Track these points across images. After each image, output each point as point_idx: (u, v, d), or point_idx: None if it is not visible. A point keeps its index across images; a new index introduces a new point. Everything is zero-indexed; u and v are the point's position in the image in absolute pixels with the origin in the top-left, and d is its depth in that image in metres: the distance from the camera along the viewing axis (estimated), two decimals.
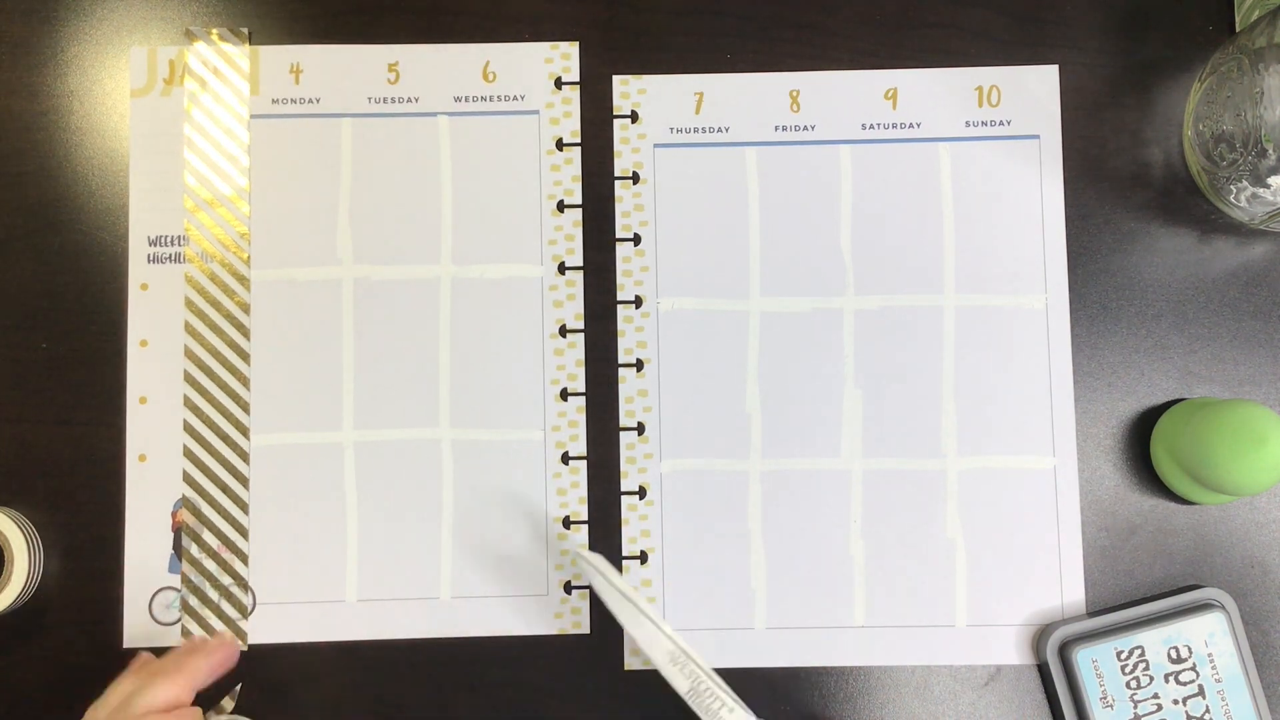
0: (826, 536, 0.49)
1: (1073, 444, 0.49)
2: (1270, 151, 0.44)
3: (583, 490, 0.50)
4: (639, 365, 0.50)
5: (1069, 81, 0.51)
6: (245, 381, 0.50)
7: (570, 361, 0.50)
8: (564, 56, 0.51)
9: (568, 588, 0.49)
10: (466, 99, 0.51)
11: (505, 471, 0.50)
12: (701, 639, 0.49)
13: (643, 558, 0.49)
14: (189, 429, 0.50)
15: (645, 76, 0.51)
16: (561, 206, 0.50)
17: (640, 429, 0.49)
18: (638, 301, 0.50)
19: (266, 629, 0.49)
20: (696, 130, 0.50)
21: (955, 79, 0.50)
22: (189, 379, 0.50)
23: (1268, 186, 0.46)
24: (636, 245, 0.50)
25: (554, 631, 0.49)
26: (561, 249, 0.50)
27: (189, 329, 0.50)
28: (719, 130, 0.50)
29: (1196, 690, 0.47)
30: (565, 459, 0.50)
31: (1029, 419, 0.49)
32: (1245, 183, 0.46)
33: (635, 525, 0.49)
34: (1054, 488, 0.49)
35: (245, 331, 0.50)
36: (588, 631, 0.49)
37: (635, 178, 0.50)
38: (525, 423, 0.50)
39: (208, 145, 0.50)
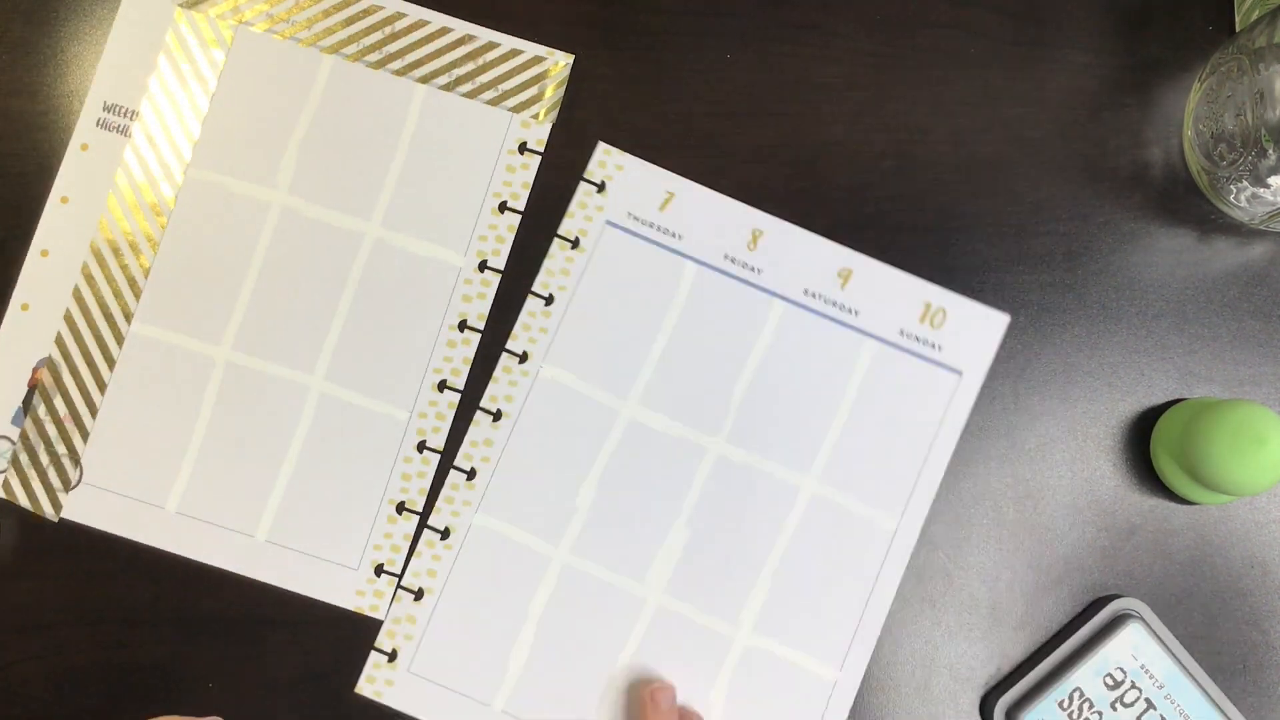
0: (596, 653, 0.49)
1: (859, 673, 0.49)
2: (1270, 151, 0.44)
3: (426, 482, 0.50)
4: (497, 415, 0.49)
5: (1069, 82, 0.51)
6: (146, 270, 0.50)
7: (459, 357, 0.50)
8: (557, 67, 0.51)
9: (379, 570, 0.49)
10: (450, 77, 0.51)
11: (360, 439, 0.50)
12: (436, 698, 0.48)
13: (419, 594, 0.49)
14: (77, 297, 0.50)
15: (628, 156, 0.50)
16: (503, 208, 0.50)
17: (471, 474, 0.49)
18: (523, 356, 0.50)
19: (82, 509, 0.49)
20: (652, 225, 0.50)
21: (910, 287, 0.50)
22: (94, 249, 0.50)
23: (1268, 186, 0.46)
24: (546, 305, 0.50)
25: (350, 607, 0.49)
26: (489, 247, 0.50)
27: (111, 201, 0.50)
28: (673, 235, 0.50)
29: (1145, 705, 0.47)
30: (421, 447, 0.50)
31: (831, 629, 0.49)
32: (1245, 183, 0.46)
33: (426, 559, 0.49)
34: (825, 701, 0.48)
35: (163, 222, 0.50)
36: (382, 618, 0.49)
37: (575, 243, 0.50)
38: (395, 400, 0.50)
39: (193, 39, 0.50)
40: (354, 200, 0.50)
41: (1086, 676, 0.47)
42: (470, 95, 0.51)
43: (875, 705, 0.49)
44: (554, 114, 0.51)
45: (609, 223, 0.50)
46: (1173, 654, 0.47)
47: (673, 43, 0.51)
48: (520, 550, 0.49)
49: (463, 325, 0.50)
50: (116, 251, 0.50)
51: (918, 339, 0.49)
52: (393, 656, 0.49)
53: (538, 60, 0.51)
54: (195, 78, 0.51)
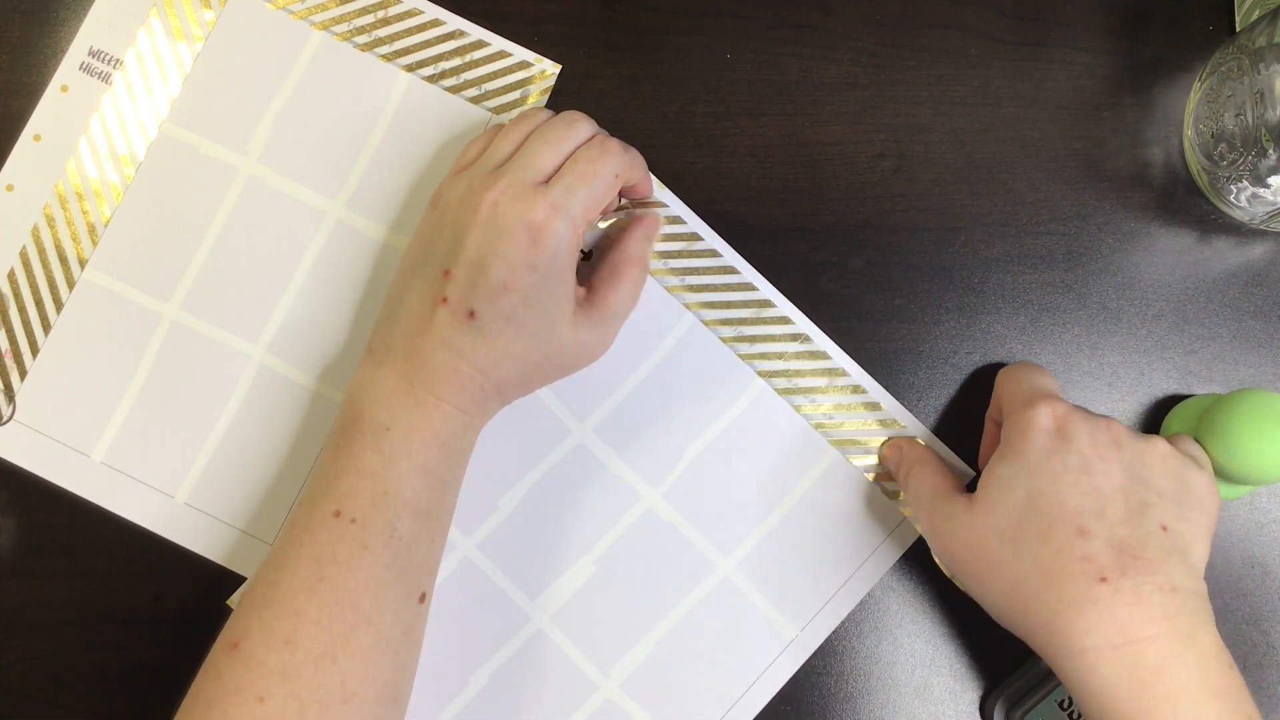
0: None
1: None
2: (1270, 151, 0.44)
3: None
4: None
5: (1070, 82, 0.51)
6: (107, 220, 0.50)
7: None
8: (543, 75, 0.51)
9: None
10: (436, 69, 0.51)
11: (293, 415, 0.50)
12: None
13: None
14: (35, 235, 0.50)
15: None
16: None
17: None
18: None
19: (8, 446, 0.50)
20: None
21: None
22: (58, 190, 0.50)
23: (1268, 186, 0.46)
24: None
25: (250, 575, 0.49)
26: None
27: (82, 148, 0.50)
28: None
29: None
30: None
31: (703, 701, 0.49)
32: (1245, 183, 0.46)
33: None
34: None
35: (130, 174, 0.50)
36: None
37: None
38: (333, 381, 0.50)
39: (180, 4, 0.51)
40: (322, 178, 0.50)
41: None
42: (453, 90, 0.51)
43: (875, 705, 0.49)
44: None
45: None
46: None
47: (673, 43, 0.51)
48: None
49: None
50: (80, 196, 0.50)
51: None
52: None
53: (524, 65, 0.51)
54: (183, 35, 0.51)
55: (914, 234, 0.51)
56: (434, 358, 0.43)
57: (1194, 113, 0.49)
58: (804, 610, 0.49)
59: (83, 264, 0.50)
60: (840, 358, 0.50)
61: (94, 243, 0.50)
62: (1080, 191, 0.51)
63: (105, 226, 0.50)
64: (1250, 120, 0.45)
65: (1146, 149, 0.51)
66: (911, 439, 0.49)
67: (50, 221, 0.50)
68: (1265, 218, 0.47)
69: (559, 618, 0.49)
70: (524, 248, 0.42)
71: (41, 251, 0.50)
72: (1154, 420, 0.50)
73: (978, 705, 0.49)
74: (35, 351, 0.50)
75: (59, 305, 0.50)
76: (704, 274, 0.50)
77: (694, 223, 0.50)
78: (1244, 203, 0.47)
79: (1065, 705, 0.47)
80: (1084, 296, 0.51)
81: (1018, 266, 0.51)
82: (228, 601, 0.49)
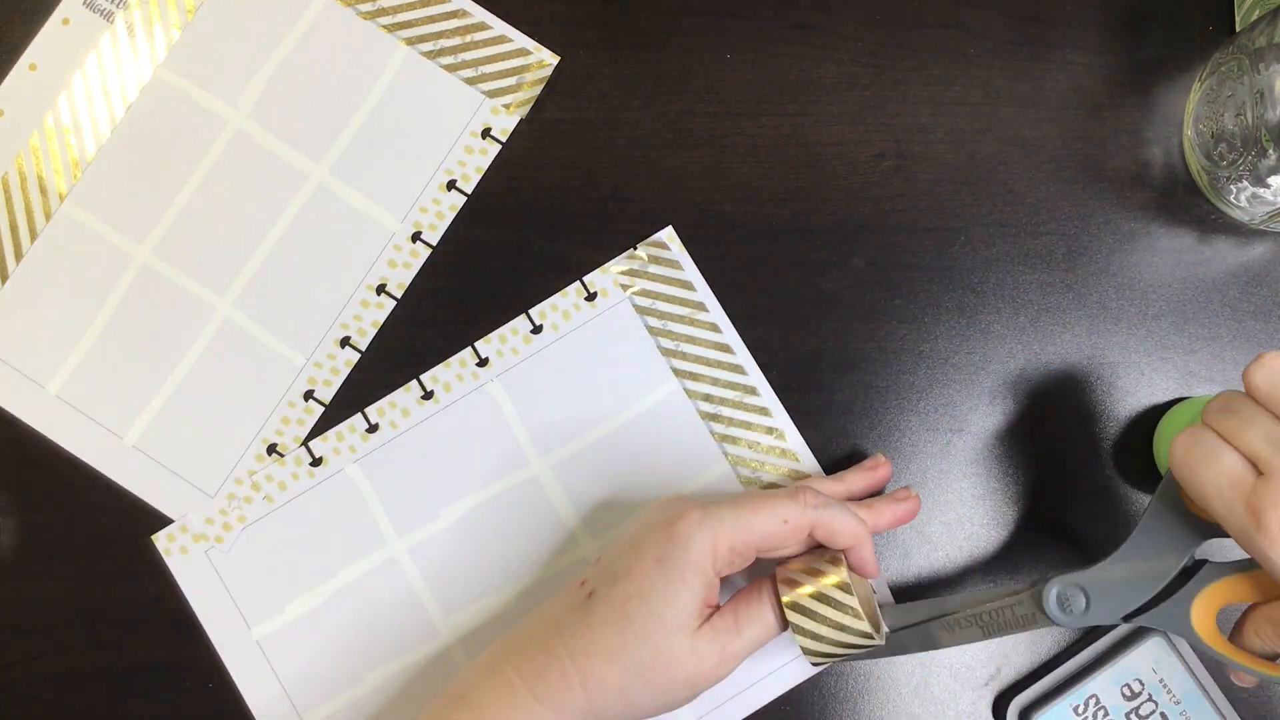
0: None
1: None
2: (1270, 151, 0.44)
3: (304, 431, 0.50)
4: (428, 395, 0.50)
5: (1070, 82, 0.51)
6: (92, 157, 0.50)
7: (369, 319, 0.50)
8: (541, 64, 0.51)
9: (231, 500, 0.49)
10: (435, 46, 0.51)
11: (252, 373, 0.50)
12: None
13: None
14: (18, 164, 0.50)
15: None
16: (451, 185, 0.50)
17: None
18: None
19: None
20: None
21: None
22: (46, 123, 0.50)
23: (1268, 186, 0.46)
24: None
25: (193, 531, 0.49)
26: (427, 220, 0.50)
27: (75, 82, 0.50)
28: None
29: None
30: (308, 395, 0.50)
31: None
32: (1245, 183, 0.46)
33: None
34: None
35: (119, 115, 0.50)
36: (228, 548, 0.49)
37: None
38: (295, 344, 0.50)
39: None
40: (309, 140, 0.50)
41: (1104, 684, 0.47)
42: (449, 69, 0.51)
43: (875, 705, 0.49)
44: (525, 109, 0.51)
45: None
46: (1193, 673, 0.47)
47: (673, 43, 0.51)
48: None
49: (381, 289, 0.50)
50: (68, 130, 0.50)
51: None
52: None
53: (523, 53, 0.51)
54: None
55: (914, 234, 0.51)
56: (538, 631, 0.41)
57: (1194, 113, 0.49)
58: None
59: (62, 198, 0.50)
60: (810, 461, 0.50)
61: (75, 178, 0.50)
62: (1080, 191, 0.51)
63: (89, 164, 0.50)
64: (1250, 120, 0.45)
65: (1146, 149, 0.51)
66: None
67: (35, 152, 0.50)
68: (1265, 218, 0.47)
69: (466, 640, 0.49)
70: (657, 540, 0.40)
71: (23, 180, 0.50)
72: (1153, 420, 0.50)
73: (977, 705, 0.49)
74: (4, 278, 0.50)
75: (34, 235, 0.50)
76: (700, 345, 0.50)
77: (703, 291, 0.50)
78: (1244, 203, 0.47)
79: (1080, 710, 0.47)
80: (1084, 296, 0.51)
81: (1018, 266, 0.51)
82: (151, 538, 0.49)
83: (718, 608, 0.41)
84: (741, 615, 0.41)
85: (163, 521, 0.49)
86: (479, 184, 0.51)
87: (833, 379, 0.50)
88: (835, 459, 0.50)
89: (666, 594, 0.39)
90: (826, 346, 0.50)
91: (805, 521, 0.41)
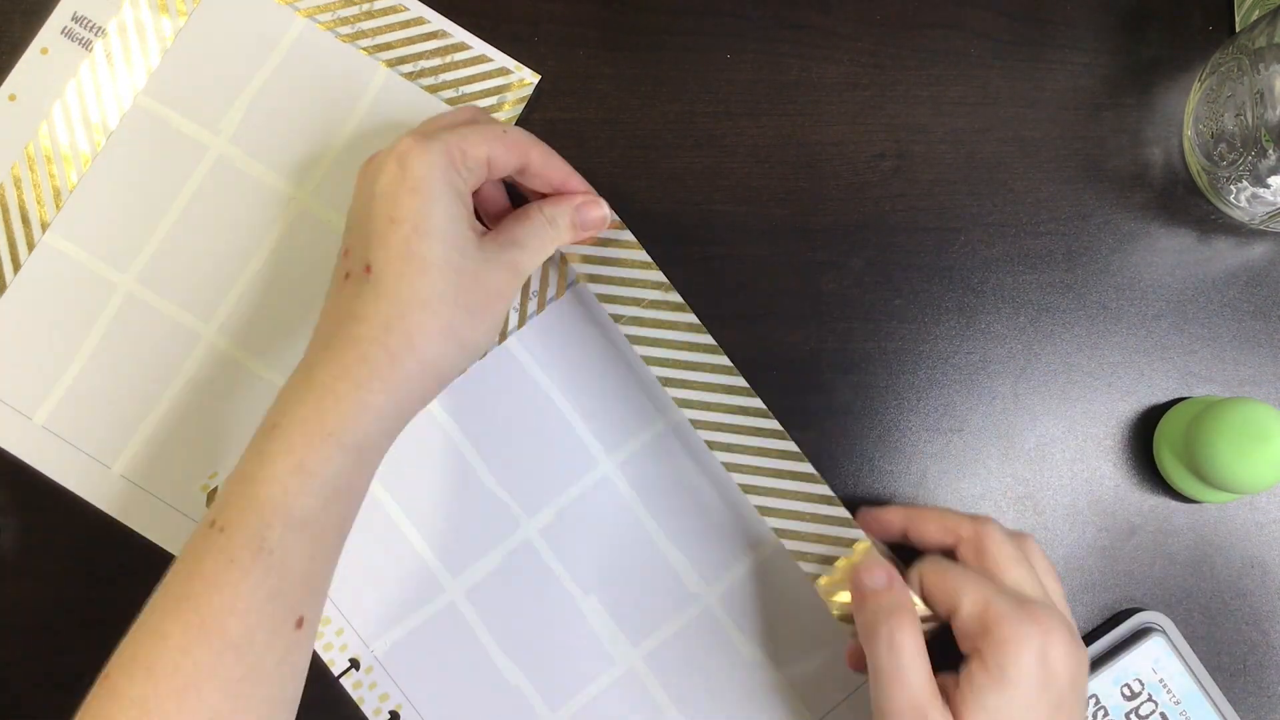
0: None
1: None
2: (1270, 151, 0.44)
3: None
4: None
5: (1070, 82, 0.51)
6: (73, 186, 0.50)
7: None
8: (521, 84, 0.50)
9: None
10: (415, 68, 0.51)
11: (238, 398, 0.50)
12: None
13: None
14: (1, 197, 0.50)
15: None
16: None
17: None
18: None
19: None
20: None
21: None
22: (28, 152, 0.50)
23: (1268, 186, 0.46)
24: None
25: (177, 553, 0.49)
26: None
27: (55, 112, 0.50)
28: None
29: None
30: None
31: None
32: (1245, 183, 0.46)
33: None
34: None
35: (100, 143, 0.50)
36: None
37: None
38: (281, 370, 0.50)
39: None
40: (291, 164, 0.50)
41: (1104, 684, 0.47)
42: (430, 90, 0.51)
43: None
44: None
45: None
46: (1193, 673, 0.47)
47: (673, 43, 0.51)
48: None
49: None
50: (49, 159, 0.50)
51: None
52: None
53: (503, 72, 0.51)
54: (167, 10, 0.51)
55: (914, 234, 0.51)
56: (336, 336, 0.38)
57: (1194, 113, 0.49)
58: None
59: (44, 227, 0.50)
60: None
61: (58, 207, 0.50)
62: (1080, 191, 0.51)
63: (70, 192, 0.50)
64: (1250, 120, 0.45)
65: (1146, 149, 0.51)
66: (892, 571, 0.42)
67: (16, 182, 0.50)
68: (1265, 218, 0.47)
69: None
70: (397, 176, 0.39)
71: (5, 211, 0.50)
72: (1152, 421, 0.50)
73: None
74: None
75: (16, 266, 0.50)
76: (668, 327, 0.46)
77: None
78: (1244, 203, 0.47)
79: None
80: (1084, 296, 0.51)
81: (1018, 266, 0.51)
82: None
83: (488, 231, 0.42)
84: (515, 230, 0.42)
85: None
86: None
87: (833, 379, 0.50)
88: (835, 459, 0.50)
89: (444, 217, 0.39)
90: (826, 346, 0.50)
91: (519, 136, 0.43)
